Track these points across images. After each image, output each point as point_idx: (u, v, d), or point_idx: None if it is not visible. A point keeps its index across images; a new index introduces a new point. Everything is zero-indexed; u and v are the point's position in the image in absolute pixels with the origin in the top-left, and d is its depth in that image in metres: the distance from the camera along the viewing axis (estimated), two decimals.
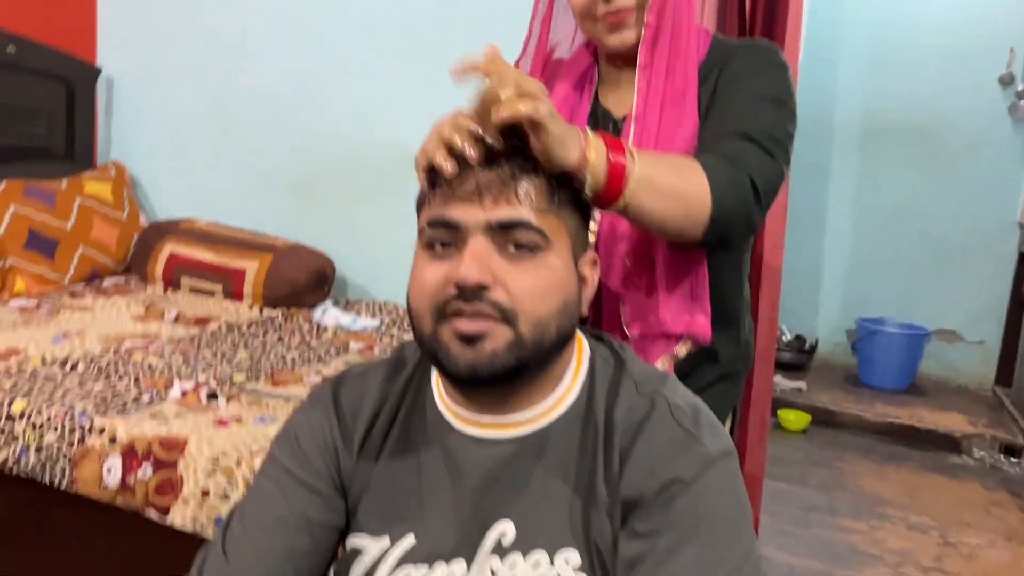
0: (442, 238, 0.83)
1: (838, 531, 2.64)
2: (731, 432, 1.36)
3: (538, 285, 0.82)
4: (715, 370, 1.27)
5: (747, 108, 1.13)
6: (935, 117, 4.06)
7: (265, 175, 2.98)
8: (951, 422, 3.57)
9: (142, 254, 2.75)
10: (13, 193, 2.59)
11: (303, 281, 2.58)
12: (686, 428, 0.84)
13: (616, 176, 0.93)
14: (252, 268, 2.58)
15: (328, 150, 2.90)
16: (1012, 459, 3.34)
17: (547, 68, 1.29)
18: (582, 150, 0.89)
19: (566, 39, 1.31)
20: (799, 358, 4.15)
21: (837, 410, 3.67)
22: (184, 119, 3.08)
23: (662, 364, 1.17)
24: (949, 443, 3.47)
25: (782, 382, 3.87)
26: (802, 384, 3.87)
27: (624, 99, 1.22)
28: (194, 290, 2.65)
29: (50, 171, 2.83)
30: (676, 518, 0.80)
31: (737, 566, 0.79)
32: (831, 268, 4.37)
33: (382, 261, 2.85)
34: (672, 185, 0.99)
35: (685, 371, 1.20)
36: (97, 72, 3.10)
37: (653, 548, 0.79)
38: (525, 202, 0.82)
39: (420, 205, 0.88)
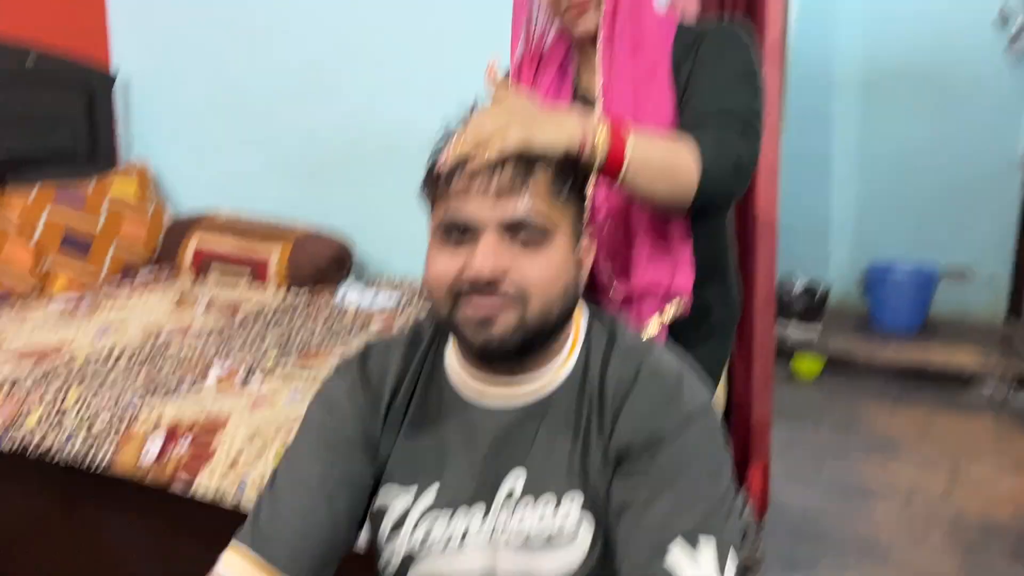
0: (457, 232, 0.93)
1: (850, 471, 2.75)
2: (729, 383, 1.48)
3: (544, 273, 0.92)
4: (706, 326, 1.37)
5: (722, 89, 1.23)
6: (934, 59, 4.08)
7: (282, 162, 3.10)
8: (963, 359, 3.64)
9: (170, 247, 2.89)
10: (45, 199, 2.74)
11: (324, 264, 2.71)
12: (669, 389, 0.95)
13: (616, 156, 1.05)
14: (275, 254, 2.72)
15: (341, 134, 3.01)
16: (1023, 392, 3.42)
17: (538, 60, 1.40)
18: (583, 133, 1.01)
19: (547, 29, 1.41)
20: (811, 305, 4.22)
21: (849, 355, 3.76)
22: (200, 113, 3.21)
23: (653, 325, 1.29)
24: (961, 380, 3.55)
25: (795, 330, 3.96)
26: (815, 331, 3.96)
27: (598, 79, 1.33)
28: (222, 278, 2.79)
29: (77, 174, 2.98)
30: (659, 467, 0.91)
31: (710, 510, 0.90)
32: (839, 214, 4.43)
33: (398, 238, 2.96)
34: (665, 164, 1.10)
35: (677, 330, 1.31)
36: (113, 75, 3.22)
37: (637, 496, 0.91)
38: (533, 199, 0.92)
39: (430, 196, 0.97)
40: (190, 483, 1.57)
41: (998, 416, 3.23)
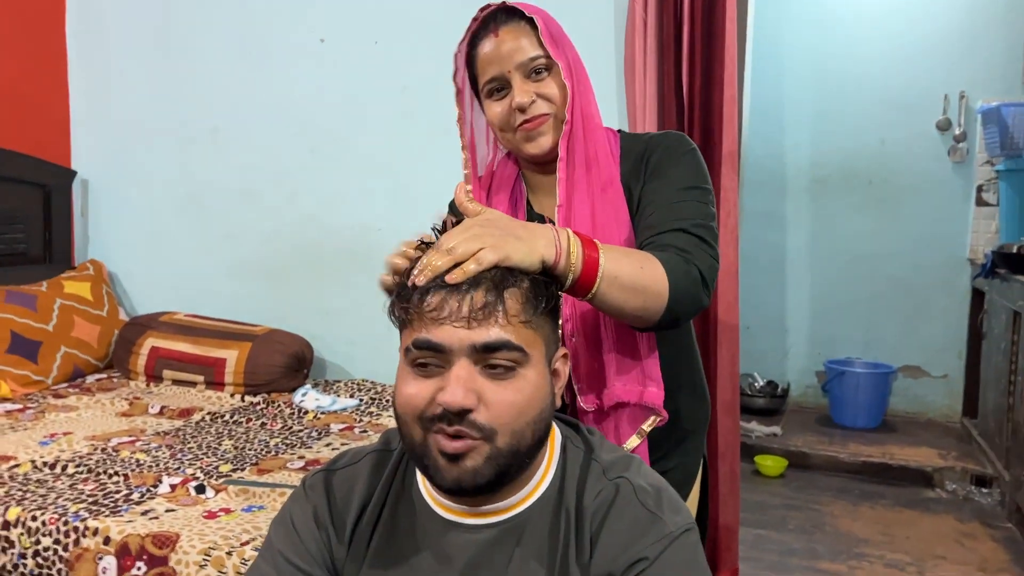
0: (428, 358, 0.89)
1: (818, 574, 2.71)
2: (704, 479, 1.46)
3: (517, 400, 0.89)
4: (679, 432, 1.37)
5: (676, 201, 1.25)
6: (880, 164, 4.27)
7: (241, 264, 3.08)
8: (922, 457, 3.67)
9: (123, 349, 2.82)
10: None
11: (282, 366, 2.66)
12: (649, 509, 0.93)
13: (590, 271, 1.04)
14: (232, 357, 2.66)
15: (301, 236, 3.01)
16: (983, 489, 3.43)
17: (488, 183, 1.40)
18: (558, 248, 1.00)
19: (493, 156, 1.42)
20: (772, 403, 4.25)
21: (812, 452, 3.76)
22: (158, 214, 3.19)
23: (633, 441, 1.27)
24: (922, 478, 3.57)
25: (757, 428, 3.96)
26: (777, 428, 3.97)
27: (553, 204, 1.33)
28: (176, 382, 2.72)
29: (30, 274, 2.92)
30: None
31: None
32: (795, 313, 4.51)
33: (357, 340, 2.94)
34: (635, 280, 1.09)
35: (652, 439, 1.31)
36: (72, 174, 3.21)
37: None
38: (506, 321, 0.89)
39: (400, 318, 0.94)
40: None
41: (960, 515, 3.23)
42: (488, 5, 1.29)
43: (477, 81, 1.31)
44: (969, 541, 2.98)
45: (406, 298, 0.92)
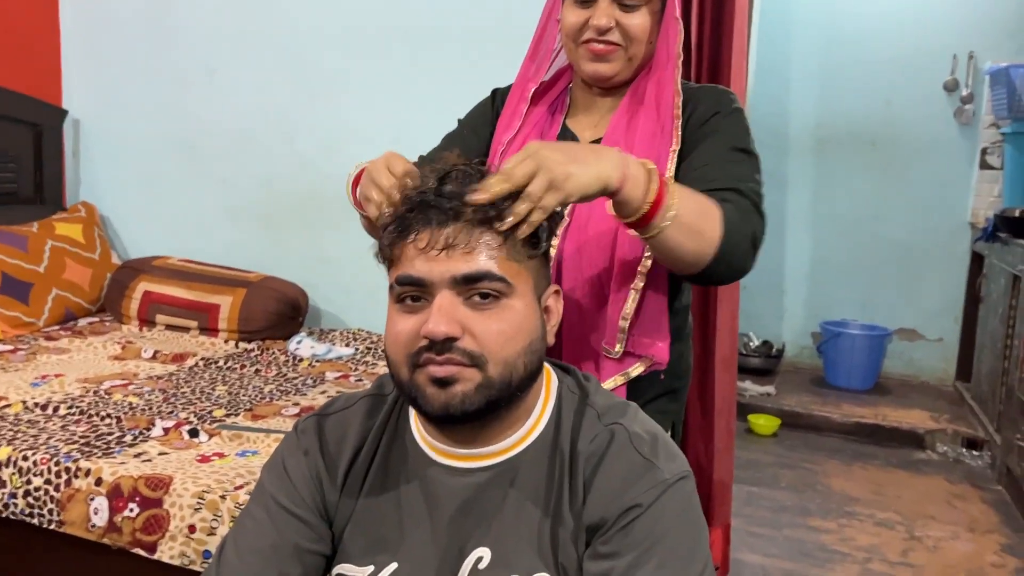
0: (411, 293, 0.88)
1: (808, 531, 2.72)
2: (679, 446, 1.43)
3: (504, 329, 0.87)
4: (658, 385, 1.32)
5: (730, 160, 1.19)
6: (885, 125, 4.21)
7: (236, 209, 3.03)
8: (914, 419, 3.68)
9: (116, 293, 2.78)
10: None
11: (277, 313, 2.63)
12: (644, 455, 0.91)
13: (656, 205, 1.00)
14: (226, 302, 2.63)
15: (297, 182, 2.96)
16: (974, 452, 3.45)
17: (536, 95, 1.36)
18: (624, 173, 0.97)
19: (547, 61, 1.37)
20: (767, 363, 4.25)
21: (805, 412, 3.77)
22: (152, 157, 3.13)
23: (614, 383, 1.24)
24: (913, 439, 3.58)
25: (751, 387, 3.96)
26: (771, 388, 3.97)
27: (593, 124, 1.29)
28: (169, 327, 2.70)
29: (20, 215, 2.87)
30: (635, 540, 0.87)
31: None
32: (793, 273, 4.49)
33: (353, 289, 2.91)
34: (695, 222, 1.05)
35: (629, 387, 1.27)
36: (64, 113, 3.14)
37: (614, 568, 0.86)
38: (486, 253, 0.87)
39: (384, 257, 0.93)
40: (152, 550, 1.49)
41: (950, 476, 3.25)
42: None
43: None
44: (959, 502, 3.00)
45: (389, 235, 0.90)
